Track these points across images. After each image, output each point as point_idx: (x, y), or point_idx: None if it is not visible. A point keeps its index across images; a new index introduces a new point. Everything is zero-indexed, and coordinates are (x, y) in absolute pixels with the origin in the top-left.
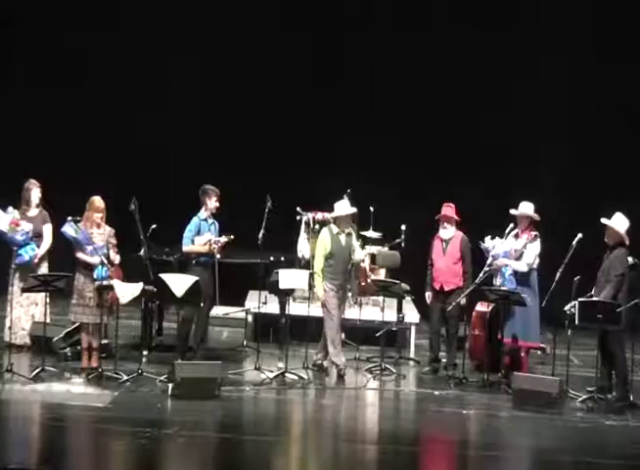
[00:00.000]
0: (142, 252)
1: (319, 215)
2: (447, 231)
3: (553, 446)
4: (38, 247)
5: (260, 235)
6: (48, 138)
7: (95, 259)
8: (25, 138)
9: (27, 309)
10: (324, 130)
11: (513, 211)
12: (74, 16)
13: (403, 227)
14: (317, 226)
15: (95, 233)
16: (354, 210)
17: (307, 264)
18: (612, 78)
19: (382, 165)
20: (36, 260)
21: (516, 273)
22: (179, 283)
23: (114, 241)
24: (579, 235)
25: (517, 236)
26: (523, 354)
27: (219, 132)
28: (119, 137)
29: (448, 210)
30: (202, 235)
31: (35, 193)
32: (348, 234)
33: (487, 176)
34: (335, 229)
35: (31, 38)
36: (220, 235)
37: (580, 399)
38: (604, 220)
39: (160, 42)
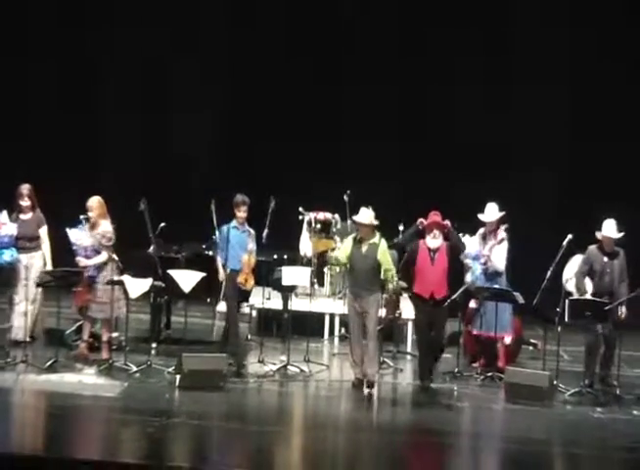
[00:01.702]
0: (151, 249)
1: (320, 215)
2: (436, 240)
3: (543, 437)
4: (32, 249)
5: (264, 234)
6: (57, 139)
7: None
8: (31, 140)
9: (19, 306)
10: (325, 131)
11: (483, 218)
12: (77, 17)
13: (401, 227)
14: (319, 226)
15: (91, 234)
16: (368, 221)
17: (309, 262)
18: (611, 78)
19: (382, 166)
20: (23, 265)
21: (486, 271)
22: (187, 279)
23: (105, 242)
24: (569, 236)
25: (484, 237)
26: (499, 346)
27: (223, 133)
28: (127, 139)
29: (437, 218)
30: (232, 242)
31: (28, 197)
32: (372, 244)
33: (487, 176)
34: (357, 238)
35: (37, 39)
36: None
37: (569, 392)
38: (609, 235)
39: (161, 42)
